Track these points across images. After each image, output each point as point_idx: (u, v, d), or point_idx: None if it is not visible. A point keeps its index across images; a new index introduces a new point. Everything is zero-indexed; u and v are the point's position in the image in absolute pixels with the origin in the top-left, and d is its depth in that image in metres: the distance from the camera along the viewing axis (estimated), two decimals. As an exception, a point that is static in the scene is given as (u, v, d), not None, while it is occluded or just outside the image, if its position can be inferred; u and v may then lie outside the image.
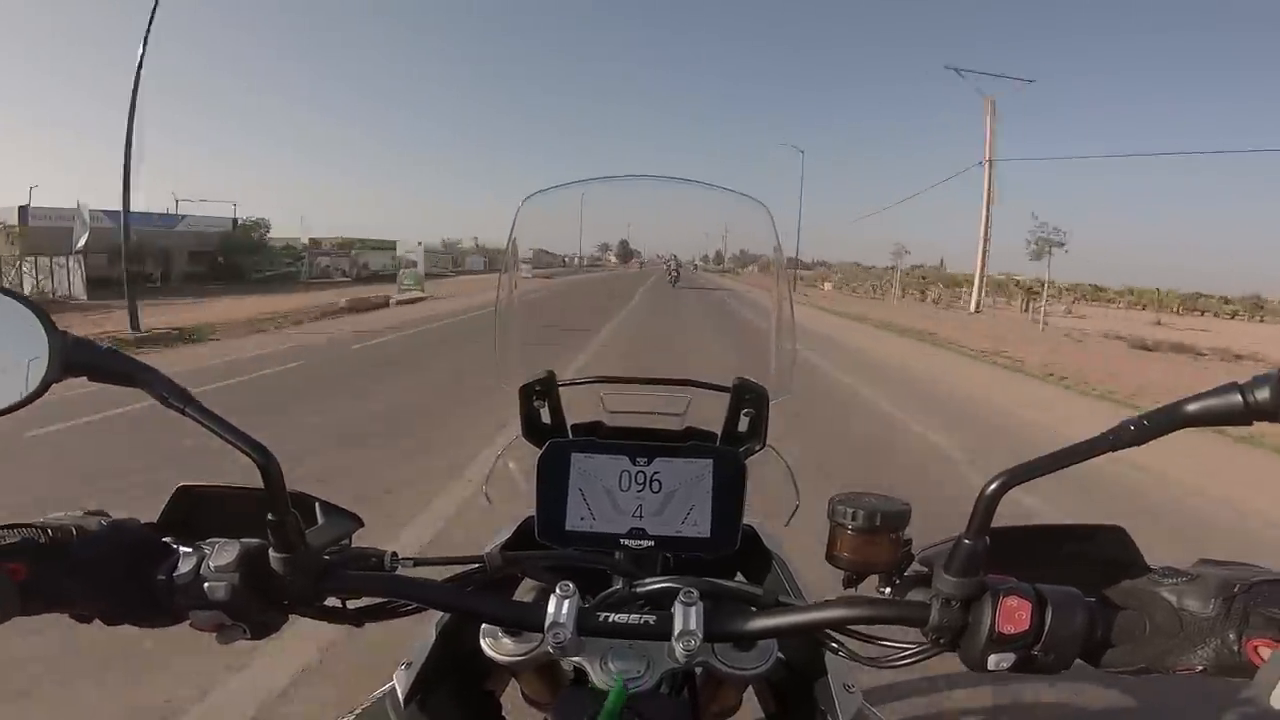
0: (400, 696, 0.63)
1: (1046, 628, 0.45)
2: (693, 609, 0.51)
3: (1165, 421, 0.43)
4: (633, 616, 0.52)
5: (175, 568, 0.52)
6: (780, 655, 0.63)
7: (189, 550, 0.53)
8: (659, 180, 0.83)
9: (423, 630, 0.69)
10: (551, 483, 0.68)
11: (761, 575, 0.79)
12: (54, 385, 0.46)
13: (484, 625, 0.60)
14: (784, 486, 0.78)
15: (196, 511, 0.60)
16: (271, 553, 0.51)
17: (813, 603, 0.54)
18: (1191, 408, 0.42)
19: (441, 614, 0.68)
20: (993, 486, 0.45)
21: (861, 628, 0.53)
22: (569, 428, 0.77)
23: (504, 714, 0.73)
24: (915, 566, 0.55)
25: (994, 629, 0.45)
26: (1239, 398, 0.41)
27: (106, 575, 0.51)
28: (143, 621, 0.53)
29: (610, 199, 0.87)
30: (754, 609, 0.54)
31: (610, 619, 0.52)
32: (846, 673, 0.64)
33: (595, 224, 0.94)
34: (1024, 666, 0.47)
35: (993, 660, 0.46)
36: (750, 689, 0.72)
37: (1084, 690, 2.09)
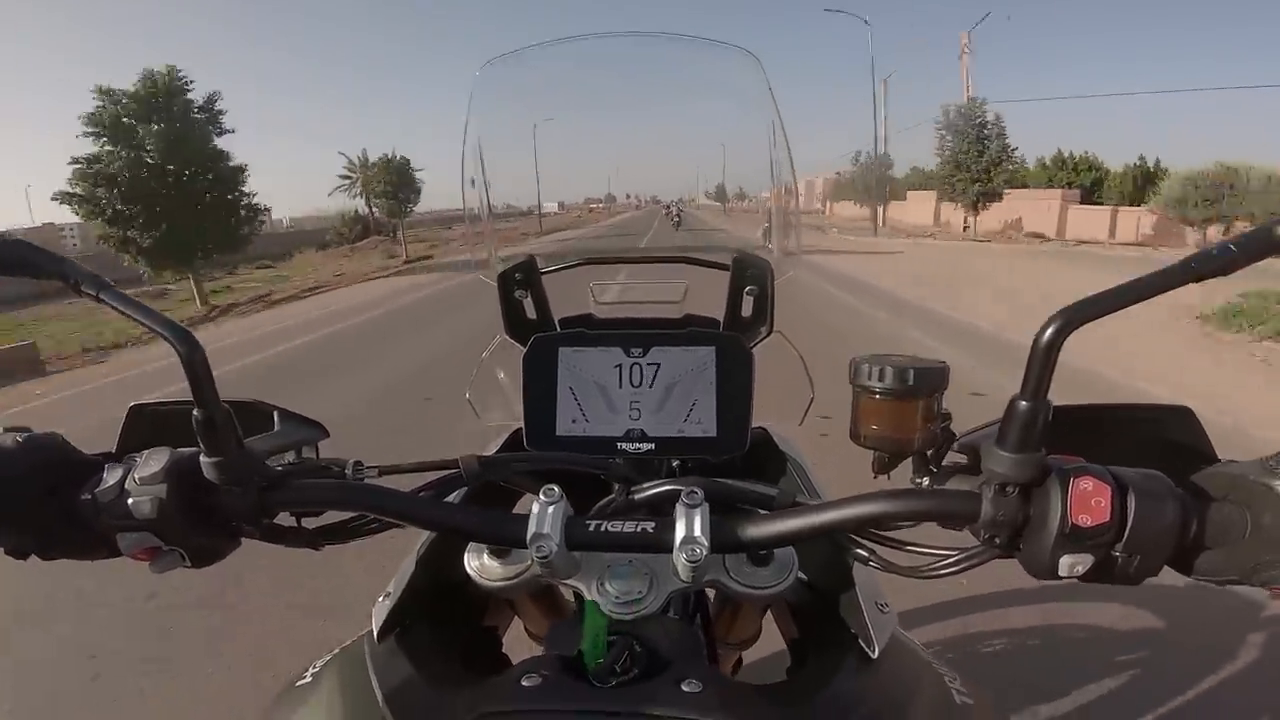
0: (374, 632, 0.55)
1: (1130, 520, 0.36)
2: (696, 511, 0.42)
3: (1257, 246, 0.34)
4: (629, 525, 0.44)
5: (100, 484, 0.45)
6: (801, 576, 0.56)
7: (116, 464, 0.46)
8: (634, 38, 0.74)
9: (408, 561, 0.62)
10: (539, 383, 0.61)
11: (776, 481, 0.70)
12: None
13: (469, 547, 0.53)
14: (796, 378, 0.69)
15: (152, 433, 0.53)
16: (202, 458, 0.43)
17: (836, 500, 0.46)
18: None
19: (422, 540, 0.60)
20: (1049, 331, 0.34)
21: (895, 535, 0.45)
22: (555, 322, 0.69)
23: (504, 651, 0.66)
24: (953, 457, 0.46)
25: (1066, 520, 0.36)
26: None
27: (25, 498, 0.44)
28: (74, 552, 0.47)
29: (586, 75, 0.77)
30: (768, 513, 0.46)
31: (604, 528, 0.44)
32: (878, 589, 0.55)
33: (567, 98, 0.82)
34: (1101, 572, 0.37)
35: (1065, 563, 0.36)
36: (769, 616, 0.65)
37: (1135, 612, 1.80)
